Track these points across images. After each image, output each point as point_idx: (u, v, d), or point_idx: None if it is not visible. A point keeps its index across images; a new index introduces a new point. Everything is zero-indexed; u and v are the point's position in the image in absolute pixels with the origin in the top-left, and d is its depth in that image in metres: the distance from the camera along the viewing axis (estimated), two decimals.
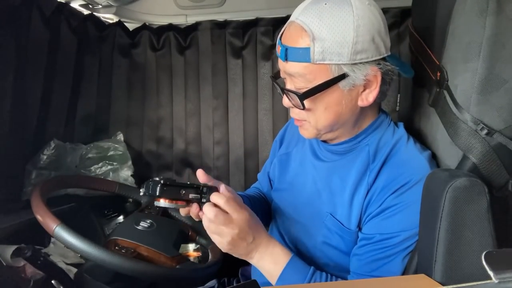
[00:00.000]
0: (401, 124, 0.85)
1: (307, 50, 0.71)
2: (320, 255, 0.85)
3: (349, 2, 0.71)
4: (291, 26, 0.75)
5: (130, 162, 1.54)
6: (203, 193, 0.77)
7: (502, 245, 0.64)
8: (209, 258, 1.07)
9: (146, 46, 1.62)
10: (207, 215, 0.74)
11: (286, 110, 1.51)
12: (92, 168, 1.47)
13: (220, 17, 1.61)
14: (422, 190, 0.70)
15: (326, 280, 0.79)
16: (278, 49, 0.77)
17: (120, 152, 1.53)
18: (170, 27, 1.62)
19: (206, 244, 1.15)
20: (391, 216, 0.75)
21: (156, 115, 1.65)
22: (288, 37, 0.75)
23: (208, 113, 1.61)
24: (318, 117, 0.78)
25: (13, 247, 0.93)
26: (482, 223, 0.62)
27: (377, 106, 0.84)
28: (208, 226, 0.74)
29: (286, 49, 0.74)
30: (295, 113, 0.82)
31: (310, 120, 0.79)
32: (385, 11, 1.39)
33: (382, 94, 0.79)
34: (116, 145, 1.54)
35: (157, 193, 0.73)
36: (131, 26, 1.68)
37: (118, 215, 1.40)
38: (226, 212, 0.74)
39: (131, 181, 1.49)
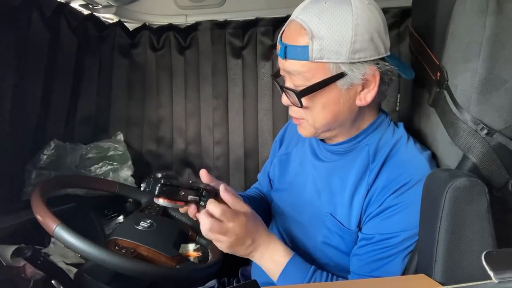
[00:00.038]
0: (401, 124, 0.85)
1: (305, 48, 0.72)
2: (320, 255, 0.85)
3: (348, 1, 0.72)
4: (291, 24, 0.76)
5: (130, 162, 1.53)
6: (202, 196, 0.78)
7: (502, 245, 0.64)
8: (209, 258, 1.07)
9: (146, 46, 1.62)
10: (204, 226, 0.75)
11: (286, 110, 1.51)
12: (92, 168, 1.47)
13: (220, 17, 1.61)
14: (422, 190, 0.70)
15: (327, 279, 0.79)
16: (278, 47, 0.78)
17: (120, 152, 1.53)
18: (170, 27, 1.62)
19: (206, 244, 1.14)
20: (391, 216, 0.75)
21: (156, 115, 1.65)
22: (288, 35, 0.76)
23: (208, 113, 1.61)
24: (316, 116, 0.78)
25: (13, 247, 0.93)
26: (482, 223, 0.62)
27: (377, 106, 0.84)
28: (206, 234, 0.76)
29: (285, 47, 0.75)
30: (293, 111, 0.82)
31: (308, 119, 0.80)
32: (385, 11, 1.39)
33: (380, 94, 0.79)
34: (116, 145, 1.54)
35: (156, 193, 0.75)
36: (131, 26, 1.68)
37: (118, 215, 1.40)
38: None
39: (131, 181, 1.49)
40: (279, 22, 1.50)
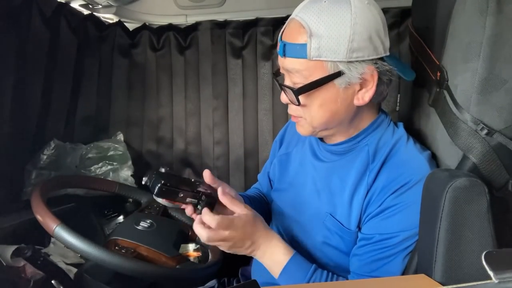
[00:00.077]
0: (400, 124, 0.85)
1: (304, 46, 0.72)
2: (320, 255, 0.85)
3: (348, 0, 0.72)
4: (291, 22, 0.76)
5: (130, 162, 1.53)
6: (200, 200, 0.80)
7: (502, 245, 0.64)
8: (209, 258, 1.07)
9: (146, 46, 1.62)
10: (201, 237, 0.77)
11: (286, 111, 1.51)
12: (92, 168, 1.47)
13: (220, 17, 1.60)
14: (422, 190, 0.70)
15: (327, 278, 0.79)
16: (278, 45, 0.78)
17: (120, 152, 1.53)
18: (170, 27, 1.62)
19: (206, 244, 1.14)
20: (390, 216, 0.75)
21: (156, 115, 1.65)
22: (288, 33, 0.76)
23: (208, 113, 1.61)
24: (314, 114, 0.78)
25: (13, 247, 0.93)
26: (482, 223, 0.62)
27: (376, 106, 0.84)
28: (205, 242, 0.78)
29: (284, 45, 0.76)
30: (292, 109, 0.82)
31: (306, 117, 0.80)
32: (385, 11, 1.39)
33: (378, 94, 0.78)
34: (116, 145, 1.54)
35: (155, 193, 0.77)
36: (131, 26, 1.68)
37: (118, 215, 1.40)
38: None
39: (131, 181, 1.49)
40: (279, 22, 1.50)
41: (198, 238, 1.17)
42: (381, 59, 0.75)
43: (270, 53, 1.53)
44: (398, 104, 1.39)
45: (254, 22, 1.54)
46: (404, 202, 0.74)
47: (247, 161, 1.58)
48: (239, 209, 0.79)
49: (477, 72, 0.65)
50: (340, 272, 0.82)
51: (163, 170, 0.82)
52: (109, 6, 1.64)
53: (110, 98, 1.63)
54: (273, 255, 0.81)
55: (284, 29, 0.78)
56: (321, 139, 0.90)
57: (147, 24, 1.67)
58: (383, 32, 0.74)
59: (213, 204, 0.83)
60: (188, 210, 0.81)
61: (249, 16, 1.58)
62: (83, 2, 1.56)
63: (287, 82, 0.80)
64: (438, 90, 0.77)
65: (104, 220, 1.37)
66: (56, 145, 1.38)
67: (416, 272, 0.72)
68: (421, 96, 0.92)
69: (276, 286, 0.85)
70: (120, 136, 1.63)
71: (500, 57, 0.63)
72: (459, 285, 0.44)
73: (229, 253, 0.82)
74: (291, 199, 0.93)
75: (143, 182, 0.79)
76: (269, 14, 1.56)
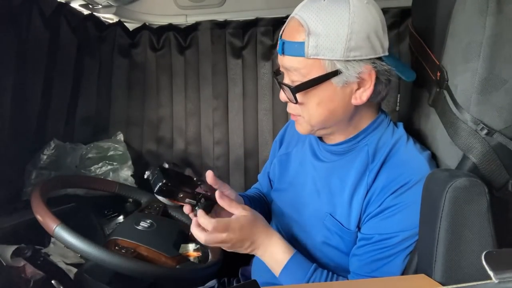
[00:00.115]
0: (400, 124, 0.85)
1: (301, 44, 0.73)
2: (320, 255, 0.85)
3: (347, 0, 0.72)
4: (290, 21, 0.77)
5: (130, 162, 1.53)
6: (199, 202, 0.81)
7: (502, 245, 0.64)
8: (209, 258, 1.07)
9: (146, 46, 1.62)
10: (199, 239, 0.78)
11: (286, 111, 1.51)
12: (92, 168, 1.47)
13: (220, 17, 1.60)
14: (421, 190, 0.70)
15: (327, 278, 0.79)
16: (278, 43, 0.79)
17: (120, 152, 1.53)
18: (170, 27, 1.62)
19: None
20: (390, 217, 0.75)
21: (156, 115, 1.65)
22: (287, 32, 0.77)
23: (208, 113, 1.61)
24: (312, 112, 0.78)
25: (13, 247, 0.93)
26: (482, 223, 0.62)
27: (376, 106, 0.84)
28: (203, 243, 0.79)
29: (283, 43, 0.76)
30: (290, 108, 0.83)
31: (304, 115, 0.80)
32: (385, 11, 1.39)
33: (376, 94, 0.78)
34: (116, 145, 1.54)
35: (155, 190, 0.78)
36: (131, 26, 1.68)
37: (118, 215, 1.40)
38: None
39: (131, 181, 1.49)
40: (279, 22, 1.50)
41: None
42: (380, 59, 0.75)
43: (270, 53, 1.53)
44: (398, 104, 1.39)
45: (254, 22, 1.54)
46: (404, 202, 0.74)
47: (247, 161, 1.58)
48: (237, 211, 0.80)
49: (477, 72, 0.65)
50: (340, 272, 0.82)
51: (166, 165, 0.83)
52: (109, 6, 1.64)
53: (110, 98, 1.63)
54: (273, 254, 0.81)
55: (285, 27, 0.79)
56: (321, 139, 0.90)
57: (147, 24, 1.67)
58: (382, 32, 0.74)
59: (212, 205, 0.83)
60: (187, 209, 0.83)
61: (249, 16, 1.58)
62: (83, 2, 1.56)
63: (286, 80, 0.80)
64: (438, 90, 0.77)
65: (104, 220, 1.37)
66: (56, 145, 1.38)
67: (416, 272, 0.72)
68: (421, 96, 0.92)
69: (276, 286, 0.86)
70: (120, 136, 1.63)
71: (500, 57, 0.63)
72: (459, 285, 0.44)
73: (229, 253, 0.83)
74: (291, 199, 0.93)
75: (145, 176, 0.80)
76: (269, 14, 1.56)
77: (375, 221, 0.77)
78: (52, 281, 0.88)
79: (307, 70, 0.74)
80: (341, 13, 0.71)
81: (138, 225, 1.07)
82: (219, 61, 1.58)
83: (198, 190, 0.82)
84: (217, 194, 0.79)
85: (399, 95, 1.39)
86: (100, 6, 1.63)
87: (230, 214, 0.81)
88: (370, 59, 0.74)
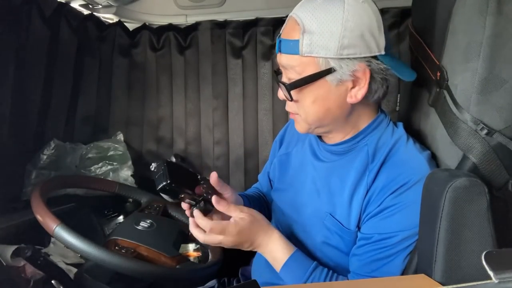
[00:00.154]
0: (400, 124, 0.85)
1: (296, 42, 0.74)
2: (320, 255, 0.85)
3: None
4: (288, 20, 0.78)
5: (130, 162, 1.53)
6: (198, 203, 0.82)
7: (502, 245, 0.64)
8: (209, 258, 1.07)
9: (146, 46, 1.62)
10: (198, 239, 0.81)
11: (286, 111, 1.51)
12: (92, 168, 1.47)
13: (220, 17, 1.60)
14: (421, 190, 0.70)
15: (327, 275, 0.80)
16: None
17: (120, 152, 1.53)
18: (170, 27, 1.62)
19: (206, 244, 1.14)
20: (389, 216, 0.75)
21: (156, 115, 1.65)
22: (285, 30, 0.78)
23: (208, 113, 1.61)
24: (307, 110, 0.79)
25: (13, 247, 0.93)
26: (482, 223, 0.62)
27: (375, 105, 0.84)
28: (202, 242, 0.82)
29: (280, 41, 0.78)
30: (288, 105, 0.84)
31: (301, 113, 0.81)
32: (385, 11, 1.41)
33: (372, 93, 0.78)
34: (116, 145, 1.54)
35: (158, 188, 0.79)
36: (131, 26, 1.68)
37: (118, 215, 1.40)
38: None
39: (131, 181, 1.49)
40: (279, 22, 1.50)
41: None
42: (375, 57, 0.75)
43: (270, 53, 1.53)
44: (398, 104, 1.39)
45: (254, 22, 1.54)
46: (404, 202, 0.74)
47: (247, 161, 1.58)
48: (235, 213, 0.81)
49: (477, 72, 0.65)
50: (340, 272, 0.83)
51: (173, 159, 0.84)
52: (109, 6, 1.64)
53: (110, 98, 1.63)
54: (273, 253, 0.82)
55: (284, 27, 0.80)
56: (321, 139, 0.90)
57: (147, 24, 1.67)
58: (377, 30, 0.74)
59: (212, 208, 0.84)
60: (184, 206, 0.85)
61: (249, 16, 1.58)
62: (83, 2, 1.56)
63: (284, 78, 0.81)
64: (438, 90, 0.77)
65: (104, 220, 1.37)
66: (56, 145, 1.38)
67: (416, 272, 0.72)
68: (421, 96, 0.92)
69: (276, 286, 0.86)
70: (120, 136, 1.63)
71: (500, 57, 0.63)
72: (459, 285, 0.44)
73: (229, 253, 0.83)
74: (291, 199, 0.93)
75: (151, 168, 0.81)
76: (269, 14, 1.56)
77: (375, 221, 0.77)
78: (52, 281, 0.88)
79: (302, 68, 0.75)
80: (335, 11, 0.72)
81: (138, 225, 1.07)
82: (219, 61, 1.58)
83: (200, 190, 0.82)
84: (213, 199, 0.80)
85: (399, 95, 1.39)
86: (100, 6, 1.63)
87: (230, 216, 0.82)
88: (365, 57, 0.74)
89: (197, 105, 1.62)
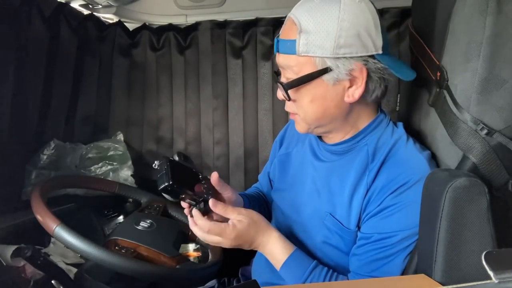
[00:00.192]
0: (400, 124, 0.85)
1: (293, 42, 0.74)
2: (320, 255, 0.85)
3: None
4: (287, 20, 0.79)
5: (130, 162, 1.53)
6: (198, 204, 0.83)
7: (502, 245, 0.64)
8: (209, 258, 1.07)
9: (146, 46, 1.62)
10: (198, 236, 0.82)
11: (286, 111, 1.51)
12: (92, 168, 1.47)
13: (220, 17, 1.60)
14: (421, 190, 0.70)
15: (326, 274, 0.80)
16: None
17: (120, 152, 1.53)
18: (170, 27, 1.62)
19: (206, 244, 1.14)
20: (389, 216, 0.75)
21: (156, 115, 1.65)
22: (283, 30, 0.79)
23: (208, 113, 1.61)
24: (306, 110, 0.80)
25: (13, 247, 0.93)
26: (482, 223, 0.62)
27: (375, 105, 0.84)
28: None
29: (278, 41, 0.79)
30: (287, 105, 0.84)
31: (300, 113, 0.81)
32: (385, 11, 1.40)
33: (370, 92, 0.78)
34: (116, 145, 1.54)
35: (159, 188, 0.79)
36: (131, 26, 1.68)
37: (118, 215, 1.40)
38: None
39: (131, 181, 1.49)
40: (279, 22, 1.50)
41: (198, 238, 1.17)
42: (372, 57, 0.75)
43: (270, 53, 1.53)
44: (398, 104, 1.39)
45: (254, 22, 1.54)
46: (403, 201, 0.74)
47: (247, 161, 1.58)
48: (233, 216, 0.81)
49: (477, 72, 0.65)
50: (340, 271, 0.83)
51: (176, 158, 0.84)
52: (109, 6, 1.64)
53: (110, 98, 1.63)
54: (272, 253, 0.82)
55: (282, 27, 0.80)
56: (321, 139, 0.90)
57: (147, 24, 1.66)
58: (374, 30, 0.74)
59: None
60: (186, 210, 0.86)
61: (249, 16, 1.57)
62: (83, 2, 1.56)
63: (282, 78, 0.82)
64: (438, 90, 0.77)
65: (104, 220, 1.38)
66: (56, 145, 1.38)
67: (416, 272, 0.72)
68: (421, 96, 0.92)
69: (276, 286, 0.86)
70: (120, 136, 1.63)
71: (500, 57, 0.63)
72: (459, 285, 0.44)
73: (229, 253, 0.84)
74: (291, 199, 0.93)
75: (153, 166, 0.82)
76: (269, 14, 1.56)
77: (375, 220, 0.77)
78: (52, 281, 0.88)
79: (299, 67, 0.76)
80: (331, 11, 0.72)
81: (138, 225, 1.07)
82: (219, 61, 1.58)
83: (200, 188, 0.83)
84: (210, 202, 0.81)
85: (399, 95, 1.39)
86: (100, 6, 1.63)
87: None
88: (361, 56, 0.74)
89: (197, 105, 1.62)
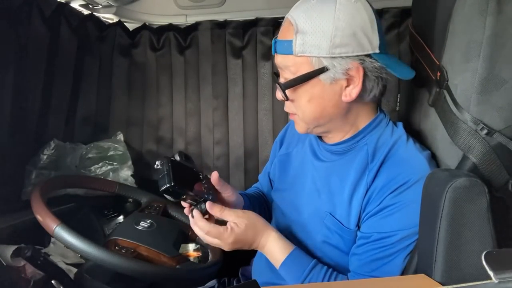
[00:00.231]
0: (400, 124, 0.85)
1: (290, 42, 0.75)
2: (320, 254, 0.85)
3: None
4: (284, 21, 0.79)
5: (130, 162, 1.53)
6: (199, 204, 0.83)
7: (502, 245, 0.64)
8: (209, 258, 1.07)
9: (146, 46, 1.62)
10: (199, 235, 0.83)
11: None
12: (92, 168, 1.47)
13: (220, 17, 1.60)
14: (421, 189, 0.70)
15: (326, 273, 0.80)
16: None
17: (120, 152, 1.53)
18: (170, 27, 1.62)
19: (206, 244, 1.14)
20: (389, 215, 0.75)
21: (156, 115, 1.65)
22: (281, 31, 0.80)
23: (208, 113, 1.61)
24: (304, 109, 0.80)
25: (13, 247, 0.93)
26: (482, 223, 0.62)
27: (374, 105, 0.84)
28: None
29: (275, 42, 0.79)
30: (286, 106, 0.85)
31: (298, 113, 0.82)
32: (385, 11, 1.41)
33: (367, 91, 0.79)
34: (116, 145, 1.54)
35: (161, 189, 0.79)
36: (131, 26, 1.68)
37: (118, 215, 1.40)
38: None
39: (131, 181, 1.49)
40: (279, 22, 1.49)
41: (198, 238, 1.17)
42: (369, 56, 0.75)
43: (270, 53, 1.53)
44: (398, 104, 1.39)
45: (254, 22, 1.54)
46: (403, 201, 0.74)
47: (247, 161, 1.58)
48: (230, 218, 0.81)
49: (477, 72, 0.65)
50: (340, 271, 0.83)
51: (177, 158, 0.84)
52: (109, 6, 1.64)
53: (110, 98, 1.63)
54: (271, 253, 0.83)
55: (280, 28, 0.81)
56: (321, 139, 0.90)
57: (147, 24, 1.67)
58: (370, 29, 0.74)
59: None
60: (185, 204, 0.86)
61: (249, 16, 1.57)
62: (83, 2, 1.56)
63: (281, 78, 0.82)
64: (438, 90, 0.77)
65: (104, 220, 1.38)
66: (56, 145, 1.38)
67: (416, 272, 0.72)
68: (421, 96, 0.92)
69: (276, 286, 0.86)
70: (120, 136, 1.63)
71: (500, 57, 0.63)
72: (459, 285, 0.44)
73: (229, 253, 0.84)
74: (291, 198, 0.93)
75: (155, 166, 0.82)
76: (269, 14, 1.56)
77: (374, 220, 0.77)
78: (52, 281, 0.88)
79: (296, 67, 0.76)
80: (327, 11, 0.73)
81: (138, 225, 1.07)
82: (219, 61, 1.58)
83: (200, 187, 0.83)
84: (207, 204, 0.81)
85: (399, 95, 1.39)
86: (100, 6, 1.63)
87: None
88: (358, 56, 0.74)
89: (197, 105, 1.62)
